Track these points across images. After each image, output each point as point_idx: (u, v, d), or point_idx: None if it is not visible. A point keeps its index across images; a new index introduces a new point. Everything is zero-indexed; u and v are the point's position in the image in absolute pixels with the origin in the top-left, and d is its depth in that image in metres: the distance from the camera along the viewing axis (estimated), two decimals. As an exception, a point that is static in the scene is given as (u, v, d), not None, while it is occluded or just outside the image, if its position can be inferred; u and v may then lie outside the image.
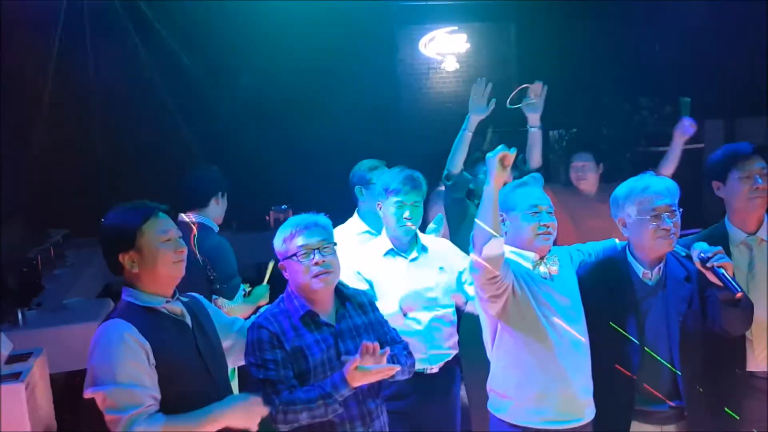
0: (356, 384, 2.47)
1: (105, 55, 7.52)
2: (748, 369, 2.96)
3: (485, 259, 2.61)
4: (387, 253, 3.34)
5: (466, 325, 3.55)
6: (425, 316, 3.27)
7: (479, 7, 9.67)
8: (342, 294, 2.75)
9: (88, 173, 7.30)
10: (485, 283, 2.70)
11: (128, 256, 2.32)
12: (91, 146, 7.31)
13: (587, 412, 2.83)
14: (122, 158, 7.58)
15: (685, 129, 3.99)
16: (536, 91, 3.88)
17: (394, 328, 2.88)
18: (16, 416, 3.40)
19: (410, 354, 2.79)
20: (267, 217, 8.74)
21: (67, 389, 4.43)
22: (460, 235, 4.08)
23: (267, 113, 8.69)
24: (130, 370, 2.17)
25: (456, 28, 10.17)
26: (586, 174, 4.42)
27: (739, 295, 2.55)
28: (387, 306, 3.10)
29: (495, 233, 2.58)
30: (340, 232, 3.80)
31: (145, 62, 7.90)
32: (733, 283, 2.55)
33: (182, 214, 3.71)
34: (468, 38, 10.26)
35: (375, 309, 2.84)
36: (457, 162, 3.87)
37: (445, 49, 10.25)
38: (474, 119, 3.80)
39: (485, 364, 2.98)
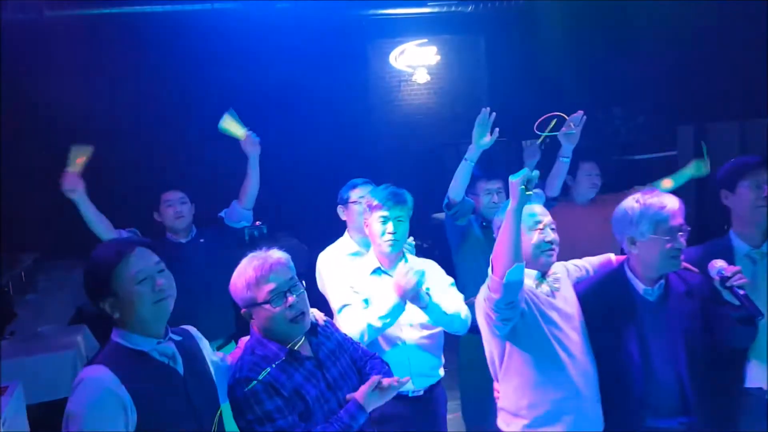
0: (371, 408, 2.45)
1: (75, 69, 7.41)
2: (747, 385, 2.97)
3: (507, 286, 2.58)
4: (374, 272, 3.30)
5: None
6: (411, 338, 3.23)
7: (449, 20, 9.70)
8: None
9: (58, 194, 7.18)
10: (503, 307, 2.67)
11: (108, 302, 2.22)
12: (62, 165, 7.20)
13: (599, 426, 2.83)
14: (95, 177, 7.46)
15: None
16: (576, 121, 3.78)
17: (357, 341, 2.85)
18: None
19: (383, 361, 2.77)
20: (241, 235, 8.69)
21: (43, 419, 4.33)
22: (461, 256, 4.07)
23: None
24: (101, 427, 2.06)
25: (426, 40, 10.22)
26: (598, 181, 4.44)
27: (759, 317, 2.56)
28: (384, 302, 3.07)
29: (519, 259, 2.56)
30: (331, 253, 3.76)
31: (117, 81, 7.81)
32: (754, 304, 2.55)
33: None
34: (438, 50, 10.32)
35: (336, 327, 2.80)
36: (458, 191, 3.83)
37: (415, 61, 10.30)
38: (477, 150, 3.74)
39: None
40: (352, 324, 3.06)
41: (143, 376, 2.20)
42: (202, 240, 4.29)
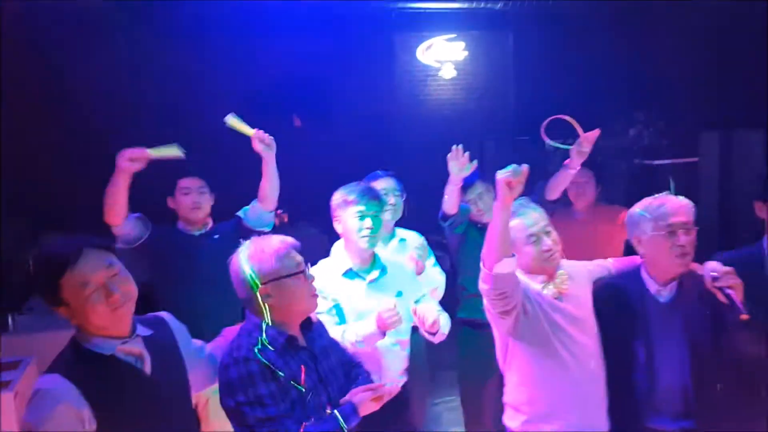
0: (365, 413, 2.45)
1: (97, 56, 7.47)
2: None
3: (495, 277, 2.60)
4: (346, 274, 3.25)
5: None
6: (383, 342, 3.20)
7: (477, 16, 9.66)
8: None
9: (82, 175, 7.26)
10: (494, 298, 2.70)
11: (61, 309, 2.11)
12: (90, 144, 7.28)
13: (601, 427, 2.83)
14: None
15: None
16: (590, 140, 3.75)
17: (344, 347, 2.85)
18: (6, 425, 3.38)
19: (367, 371, 2.78)
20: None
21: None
22: (461, 259, 4.08)
23: (262, 119, 8.66)
24: None
25: (454, 35, 10.19)
26: (585, 191, 4.34)
27: (743, 317, 2.54)
28: (363, 326, 3.06)
29: (506, 253, 2.57)
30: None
31: (141, 65, 7.86)
32: (738, 304, 2.54)
33: None
34: (466, 46, 10.28)
35: (326, 328, 2.80)
36: (450, 207, 3.84)
37: (443, 56, 10.26)
38: (457, 179, 3.71)
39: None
40: None
41: (103, 382, 2.09)
42: (216, 236, 4.02)
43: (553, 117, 3.75)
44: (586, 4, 8.25)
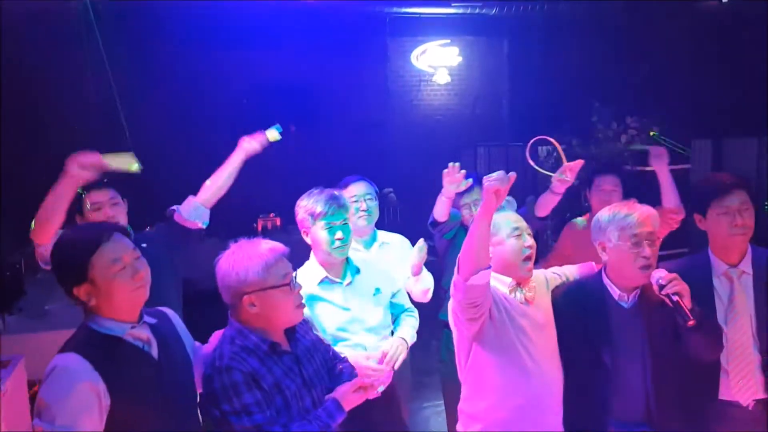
0: (349, 407, 2.42)
1: (92, 57, 7.48)
2: (720, 397, 2.95)
3: (469, 288, 2.59)
4: (321, 283, 3.18)
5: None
6: (370, 342, 3.17)
7: (472, 21, 9.70)
8: None
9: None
10: (466, 306, 2.68)
11: (82, 289, 2.15)
12: (75, 148, 7.27)
13: None
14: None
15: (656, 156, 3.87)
16: (573, 170, 3.73)
17: (328, 343, 2.80)
18: (-6, 423, 3.36)
19: (351, 365, 2.73)
20: (254, 225, 8.76)
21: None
22: (447, 264, 4.05)
23: (256, 122, 8.66)
24: (71, 419, 2.02)
25: (448, 41, 10.23)
26: (612, 199, 4.22)
27: (690, 323, 2.53)
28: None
29: (483, 264, 2.57)
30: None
31: (138, 68, 7.86)
32: (685, 310, 2.54)
33: None
34: (460, 52, 10.32)
35: (313, 325, 2.76)
36: (441, 215, 3.79)
37: (436, 61, 10.30)
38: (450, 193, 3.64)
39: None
40: None
41: (117, 362, 2.14)
42: (144, 245, 3.14)
43: (538, 137, 3.74)
44: (581, 11, 8.30)
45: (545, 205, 3.89)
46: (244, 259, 2.36)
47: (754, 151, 6.38)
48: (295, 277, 2.46)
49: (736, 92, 6.98)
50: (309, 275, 3.18)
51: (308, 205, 3.16)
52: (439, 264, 4.05)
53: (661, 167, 3.78)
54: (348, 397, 2.41)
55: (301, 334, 2.56)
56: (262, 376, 2.31)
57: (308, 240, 3.21)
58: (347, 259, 3.25)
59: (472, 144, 10.22)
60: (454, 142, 10.20)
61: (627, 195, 3.96)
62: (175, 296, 3.44)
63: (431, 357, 3.43)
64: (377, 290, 3.24)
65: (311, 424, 2.32)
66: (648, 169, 4.24)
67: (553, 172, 3.82)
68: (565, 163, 3.68)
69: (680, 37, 7.48)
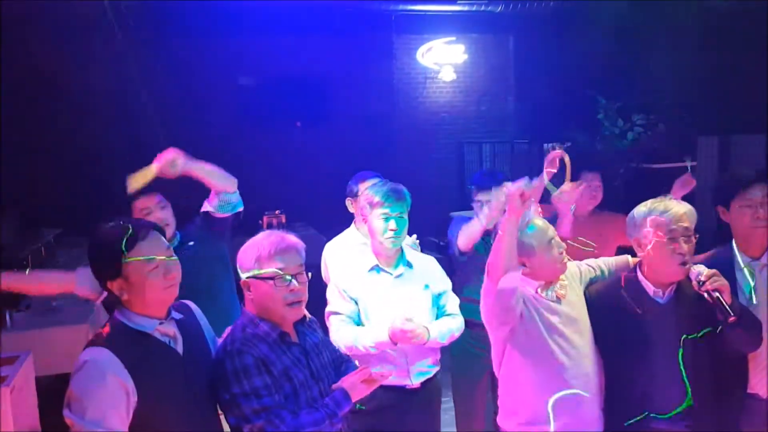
0: (356, 398, 2.47)
1: (99, 54, 7.52)
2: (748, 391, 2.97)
3: (500, 292, 2.62)
4: (372, 269, 3.30)
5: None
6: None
7: (477, 18, 9.70)
8: None
9: (81, 172, 7.30)
10: (498, 311, 2.71)
11: (116, 283, 2.21)
12: (85, 145, 7.32)
13: (596, 427, 2.84)
14: (116, 158, 7.58)
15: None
16: (572, 195, 3.66)
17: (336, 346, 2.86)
18: (4, 419, 3.39)
19: (356, 365, 2.77)
20: (260, 221, 8.78)
21: (54, 392, 4.40)
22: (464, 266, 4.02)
23: (263, 118, 8.72)
24: (100, 413, 2.06)
25: (454, 38, 10.22)
26: (597, 195, 4.24)
27: (731, 319, 2.55)
28: (377, 334, 3.08)
29: (512, 266, 2.59)
30: (336, 244, 3.84)
31: (144, 64, 7.89)
32: (726, 307, 2.55)
33: None
34: (466, 49, 10.31)
35: (319, 326, 2.78)
36: (468, 244, 3.74)
37: (442, 59, 10.29)
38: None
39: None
40: (338, 335, 3.12)
41: (145, 358, 2.20)
42: (191, 243, 3.61)
43: (552, 154, 3.70)
44: (586, 8, 8.28)
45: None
46: (250, 245, 2.49)
47: (761, 148, 6.35)
48: (294, 276, 2.46)
49: (744, 88, 6.95)
50: (360, 263, 3.32)
51: (369, 193, 3.30)
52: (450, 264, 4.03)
53: (679, 193, 3.73)
54: (357, 387, 2.45)
55: (310, 330, 2.64)
56: (271, 362, 2.38)
57: (366, 227, 3.36)
58: (401, 253, 3.33)
59: (478, 141, 10.25)
60: (460, 138, 10.28)
61: (628, 192, 3.97)
62: (229, 288, 3.60)
63: (442, 353, 3.43)
64: (426, 286, 3.30)
65: (318, 411, 2.38)
66: (654, 166, 4.25)
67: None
68: (566, 183, 3.63)
69: (687, 33, 7.45)
